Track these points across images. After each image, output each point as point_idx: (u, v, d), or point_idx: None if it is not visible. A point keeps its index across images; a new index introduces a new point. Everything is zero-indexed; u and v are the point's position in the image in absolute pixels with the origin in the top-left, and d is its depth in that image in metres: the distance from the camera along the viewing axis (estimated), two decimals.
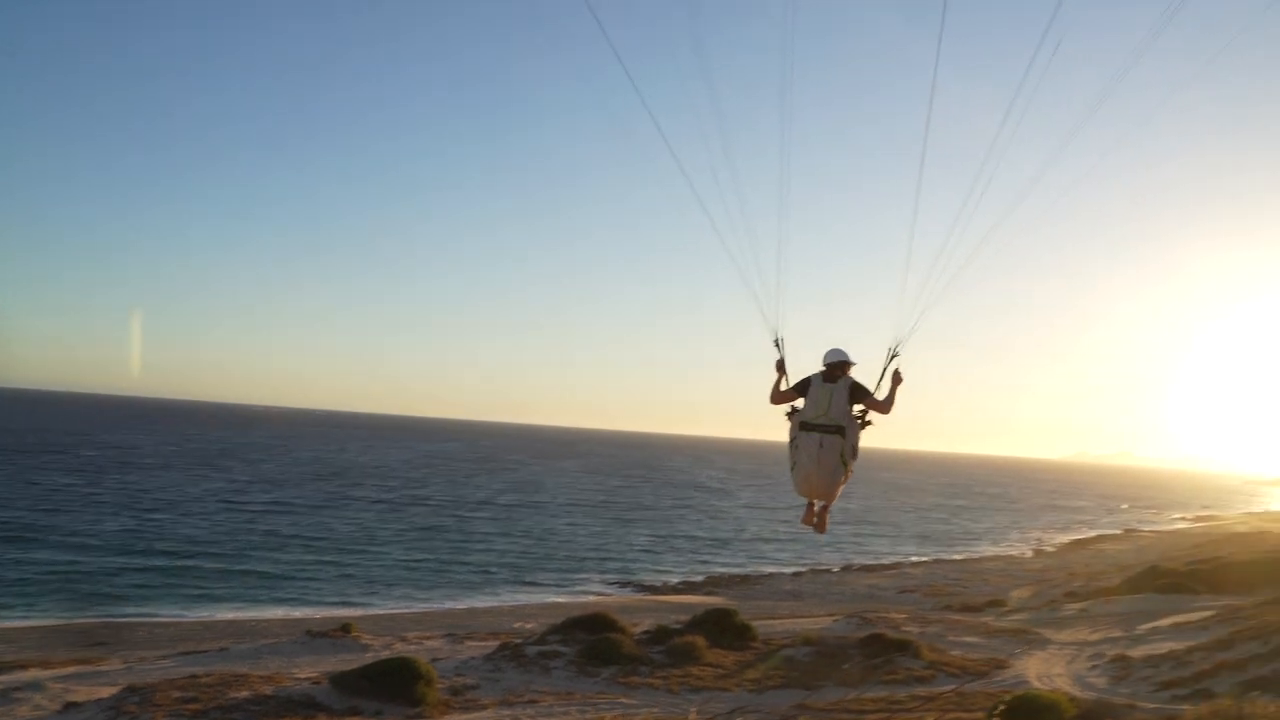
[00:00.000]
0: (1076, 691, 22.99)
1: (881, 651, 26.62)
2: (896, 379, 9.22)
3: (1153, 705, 20.66)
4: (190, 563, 50.28)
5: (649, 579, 57.25)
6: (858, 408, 9.45)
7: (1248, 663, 22.59)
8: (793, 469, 9.67)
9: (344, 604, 44.54)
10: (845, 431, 9.24)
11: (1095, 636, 32.11)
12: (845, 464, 9.56)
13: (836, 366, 9.33)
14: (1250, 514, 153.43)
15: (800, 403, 9.47)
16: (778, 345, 9.42)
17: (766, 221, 9.64)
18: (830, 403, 9.18)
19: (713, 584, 56.88)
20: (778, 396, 9.56)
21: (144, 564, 49.00)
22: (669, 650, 26.74)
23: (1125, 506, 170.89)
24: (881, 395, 9.22)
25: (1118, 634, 31.91)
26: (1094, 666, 26.83)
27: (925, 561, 73.96)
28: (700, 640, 27.26)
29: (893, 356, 9.22)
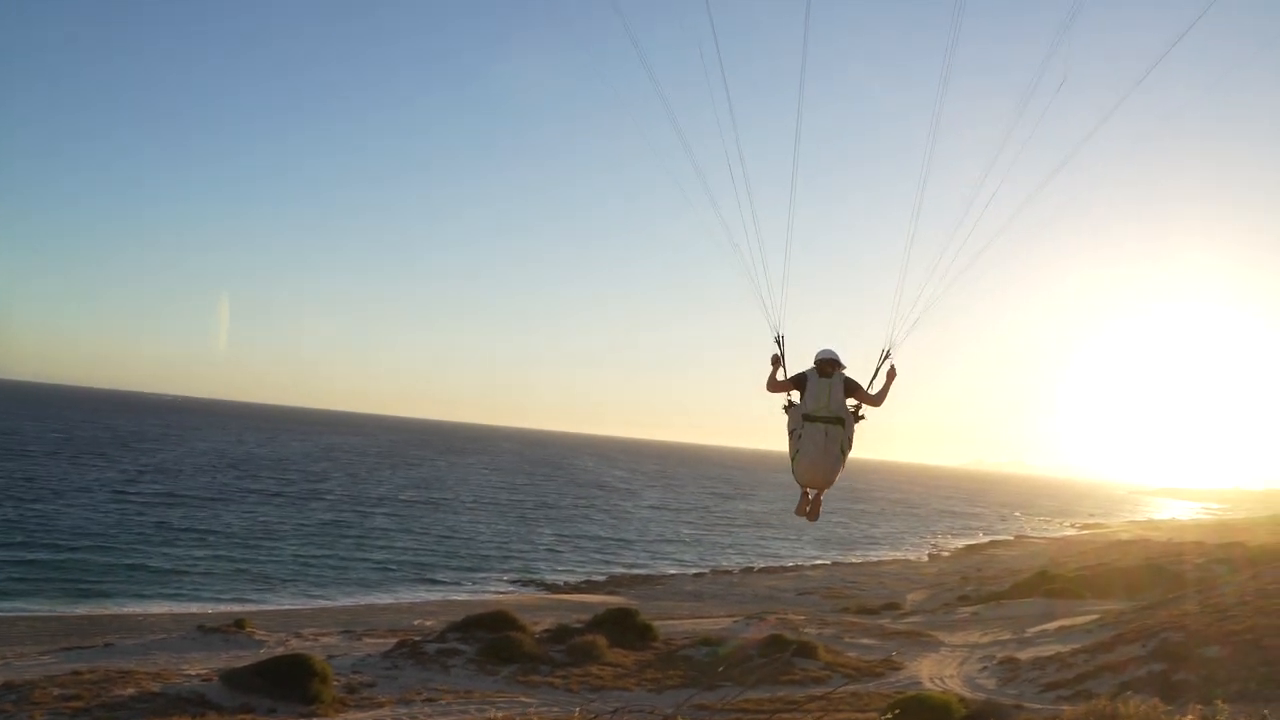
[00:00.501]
0: (967, 692, 23.60)
1: (780, 652, 26.98)
2: (891, 374, 9.81)
3: (1038, 706, 21.31)
4: (75, 555, 48.40)
5: (551, 578, 57.12)
6: (851, 402, 9.93)
7: (1127, 664, 23.45)
8: (795, 458, 10.04)
9: (238, 599, 43.39)
10: (845, 423, 9.81)
11: (986, 639, 33.01)
12: (844, 453, 10.04)
13: (828, 363, 9.80)
14: (1133, 522, 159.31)
15: (796, 396, 9.99)
16: (779, 342, 9.97)
17: (773, 222, 9.75)
18: (830, 396, 9.71)
19: (615, 584, 56.99)
20: (775, 386, 10.02)
21: (24, 556, 46.99)
22: (570, 649, 26.73)
23: (1018, 514, 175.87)
24: (875, 390, 9.77)
25: (1007, 637, 32.86)
26: (984, 668, 27.58)
27: (825, 564, 75.07)
28: (601, 640, 27.30)
29: (886, 354, 9.78)
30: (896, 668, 27.80)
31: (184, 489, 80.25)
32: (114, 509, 64.40)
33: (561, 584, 55.43)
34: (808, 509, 10.84)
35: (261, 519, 67.02)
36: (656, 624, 31.46)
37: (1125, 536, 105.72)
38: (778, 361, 9.98)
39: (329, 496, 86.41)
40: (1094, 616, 33.65)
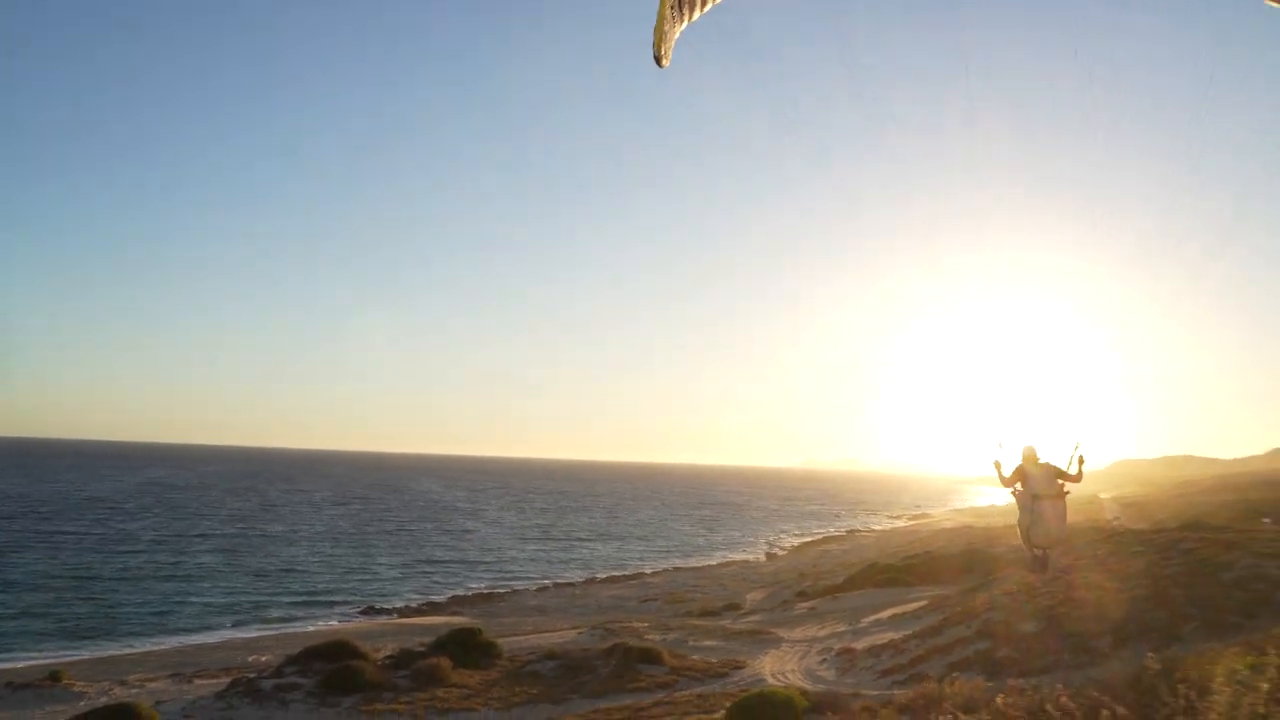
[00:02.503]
0: (808, 685, 24.27)
1: (625, 660, 27.15)
2: (1081, 460, 12.68)
3: (875, 692, 22.09)
4: None
5: (391, 602, 55.89)
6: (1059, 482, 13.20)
7: (954, 646, 24.60)
8: (1032, 526, 13.06)
9: (51, 651, 40.72)
10: (1064, 498, 12.93)
11: (824, 632, 34.03)
12: (1065, 519, 13.29)
13: (1034, 457, 13.12)
14: (956, 511, 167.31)
15: (1019, 484, 13.26)
16: (999, 447, 12.93)
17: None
18: (1049, 482, 12.89)
19: (456, 603, 56.21)
20: (1007, 482, 13.32)
21: None
22: (413, 674, 26.22)
23: (849, 510, 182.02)
24: (1073, 471, 12.74)
25: (843, 628, 33.96)
26: (823, 660, 28.43)
27: (666, 570, 75.91)
28: (445, 661, 26.88)
29: (1077, 447, 12.69)
30: (740, 666, 28.35)
31: None
32: None
33: (402, 608, 54.32)
34: (1040, 564, 13.95)
35: (73, 562, 63.14)
36: (501, 641, 31.19)
37: (948, 525, 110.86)
38: (1000, 465, 13.07)
39: (149, 535, 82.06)
40: (923, 603, 35.13)
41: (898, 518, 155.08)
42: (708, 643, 32.91)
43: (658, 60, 10.22)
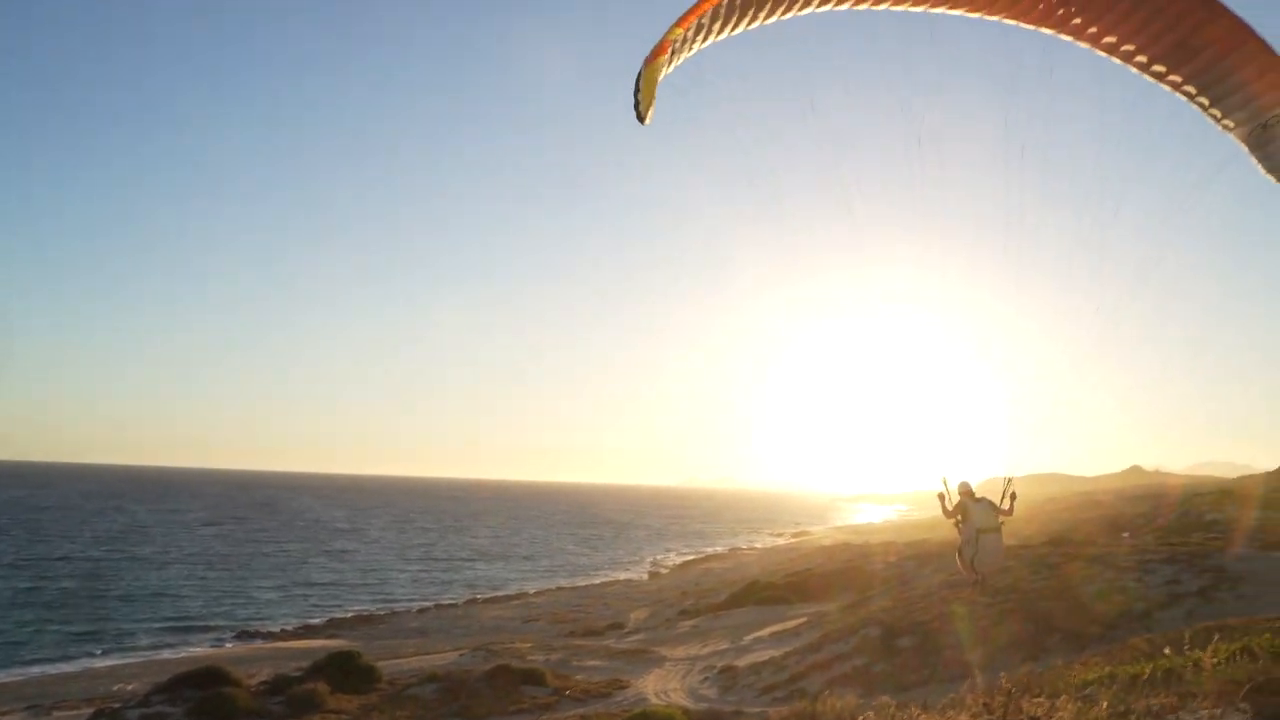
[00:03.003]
0: (690, 704, 24.43)
1: (508, 682, 26.92)
2: (1013, 496, 14.02)
3: (756, 709, 22.36)
4: None
5: (266, 626, 54.25)
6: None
7: (833, 662, 25.07)
8: (974, 557, 14.17)
9: None
10: (1000, 530, 14.22)
11: (706, 650, 34.29)
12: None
13: (970, 493, 14.26)
14: (835, 528, 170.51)
15: (959, 517, 14.23)
16: (945, 483, 14.22)
17: None
18: (987, 515, 14.06)
19: (335, 626, 54.89)
20: (949, 514, 14.39)
21: None
22: (289, 700, 25.52)
23: (731, 528, 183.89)
24: (1005, 506, 14.04)
25: (725, 646, 34.28)
26: (705, 679, 28.63)
27: (549, 590, 75.49)
28: (322, 686, 26.24)
29: (1009, 483, 14.01)
30: (623, 686, 28.37)
31: None
32: None
33: (278, 632, 52.79)
34: (980, 585, 15.37)
35: None
36: (380, 664, 30.61)
37: (828, 542, 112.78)
38: (944, 498, 14.28)
39: (6, 559, 77.72)
40: (803, 619, 35.71)
41: (779, 536, 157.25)
42: (591, 662, 32.85)
43: (640, 116, 10.79)
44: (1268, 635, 10.31)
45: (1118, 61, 11.96)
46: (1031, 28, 11.93)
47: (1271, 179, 11.96)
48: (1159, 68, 11.63)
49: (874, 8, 11.82)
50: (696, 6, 10.64)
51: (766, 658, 28.69)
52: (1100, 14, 11.39)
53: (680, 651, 34.81)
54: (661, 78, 10.92)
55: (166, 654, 45.94)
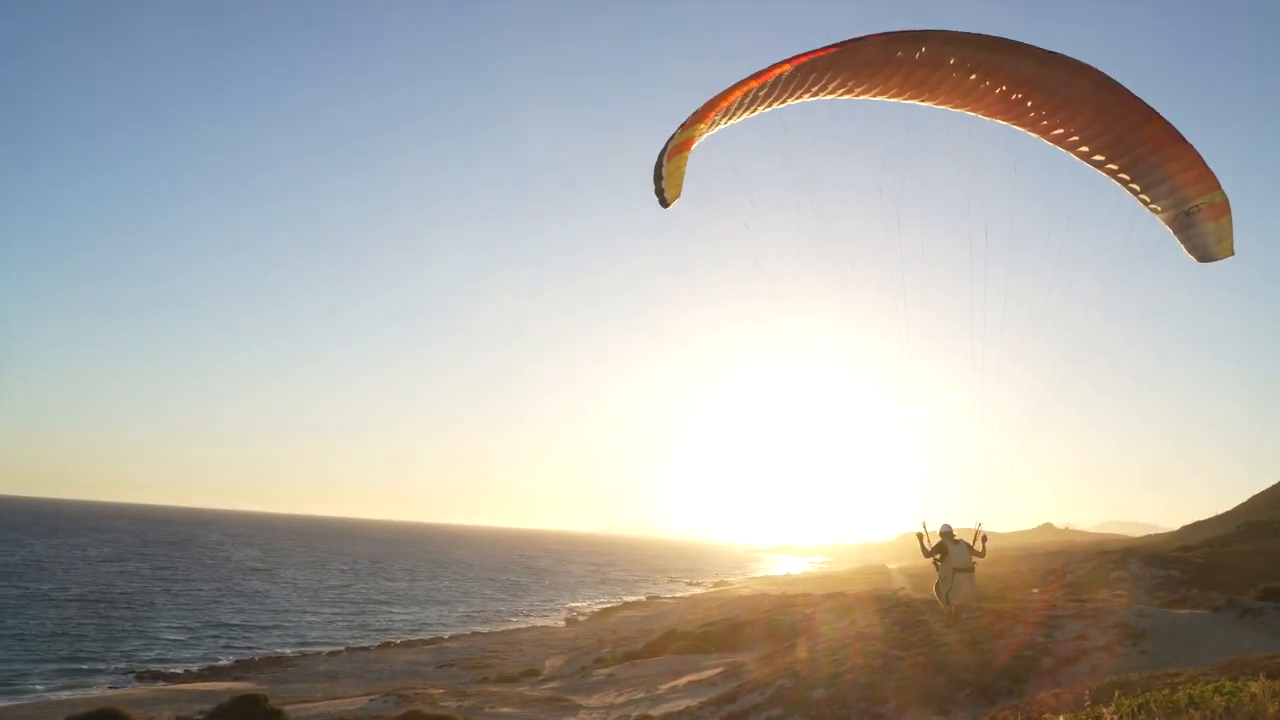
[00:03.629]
0: None
1: None
2: (984, 539, 15.66)
3: None
4: None
5: (170, 668, 52.55)
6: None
7: (748, 713, 25.08)
8: (950, 592, 15.84)
9: None
10: (974, 570, 15.96)
11: (621, 699, 34.07)
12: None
13: (950, 535, 15.90)
14: (753, 578, 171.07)
15: (939, 556, 16.12)
16: (924, 526, 15.67)
17: None
18: (963, 556, 15.71)
19: (241, 668, 53.41)
20: (928, 554, 15.92)
21: None
22: None
23: (650, 576, 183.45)
24: (979, 548, 15.87)
25: (641, 695, 34.10)
26: None
27: (464, 635, 74.42)
28: None
29: (980, 526, 15.40)
30: None
31: None
32: None
33: (182, 673, 51.18)
34: (953, 617, 17.40)
35: None
36: (288, 709, 29.89)
37: (746, 592, 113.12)
38: (923, 539, 15.70)
39: None
40: (719, 669, 35.70)
41: (697, 585, 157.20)
42: (505, 710, 32.44)
43: (665, 203, 12.36)
44: (1165, 691, 10.63)
45: (1064, 150, 14.21)
46: (992, 120, 14.09)
47: (1193, 257, 14.39)
48: (1099, 157, 13.98)
49: (857, 98, 13.64)
50: (715, 104, 12.43)
51: (682, 708, 28.60)
52: (1054, 111, 13.63)
53: (595, 700, 34.54)
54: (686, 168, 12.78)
55: (63, 695, 44.29)
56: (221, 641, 63.24)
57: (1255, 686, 9.09)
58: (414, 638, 71.36)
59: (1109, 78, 13.06)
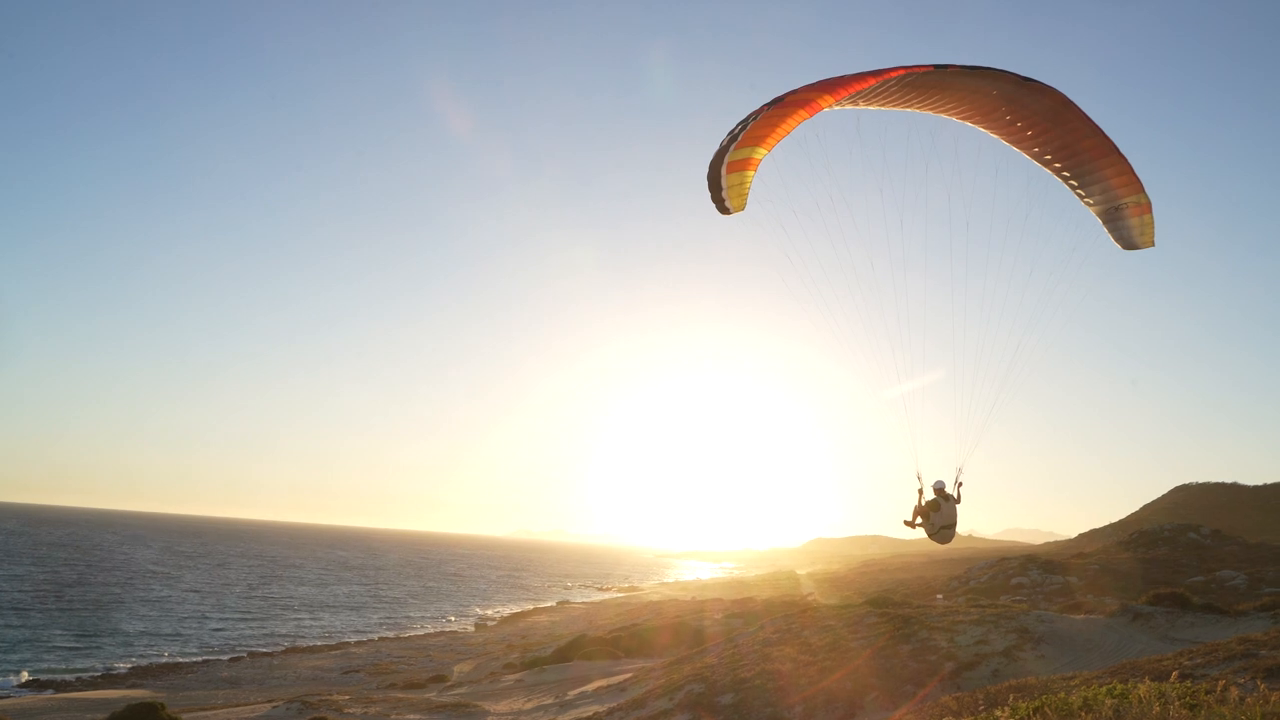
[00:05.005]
0: None
1: None
2: (960, 485, 17.03)
3: None
4: None
5: (62, 675, 50.87)
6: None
7: (656, 718, 25.19)
8: (938, 532, 17.12)
9: None
10: (955, 525, 17.20)
11: (530, 705, 33.93)
12: None
13: (942, 491, 17.14)
14: (664, 584, 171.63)
15: (932, 513, 17.20)
16: (919, 479, 16.97)
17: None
18: (951, 513, 17.08)
19: (139, 675, 51.92)
20: (922, 510, 17.10)
21: None
22: None
23: (560, 581, 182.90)
24: (956, 495, 17.05)
25: (550, 701, 33.99)
26: None
27: (370, 640, 73.40)
28: None
29: (960, 471, 16.99)
30: None
31: None
32: None
33: (75, 681, 49.57)
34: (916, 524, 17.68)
35: None
36: (186, 717, 29.17)
37: (656, 598, 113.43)
38: (921, 495, 16.99)
39: None
40: (629, 675, 35.75)
41: (607, 590, 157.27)
42: (411, 716, 32.07)
43: (728, 210, 14.01)
44: (1061, 694, 10.97)
45: (1020, 151, 17.07)
46: (960, 121, 16.73)
47: (1119, 245, 17.64)
48: (1048, 157, 16.97)
49: (848, 107, 15.57)
50: (773, 133, 14.35)
51: (591, 713, 28.61)
52: (1015, 120, 16.49)
53: (504, 706, 34.34)
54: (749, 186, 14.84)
55: None
56: (118, 647, 61.40)
57: (1142, 689, 9.45)
58: (320, 643, 70.12)
59: (1067, 99, 15.88)
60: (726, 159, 14.45)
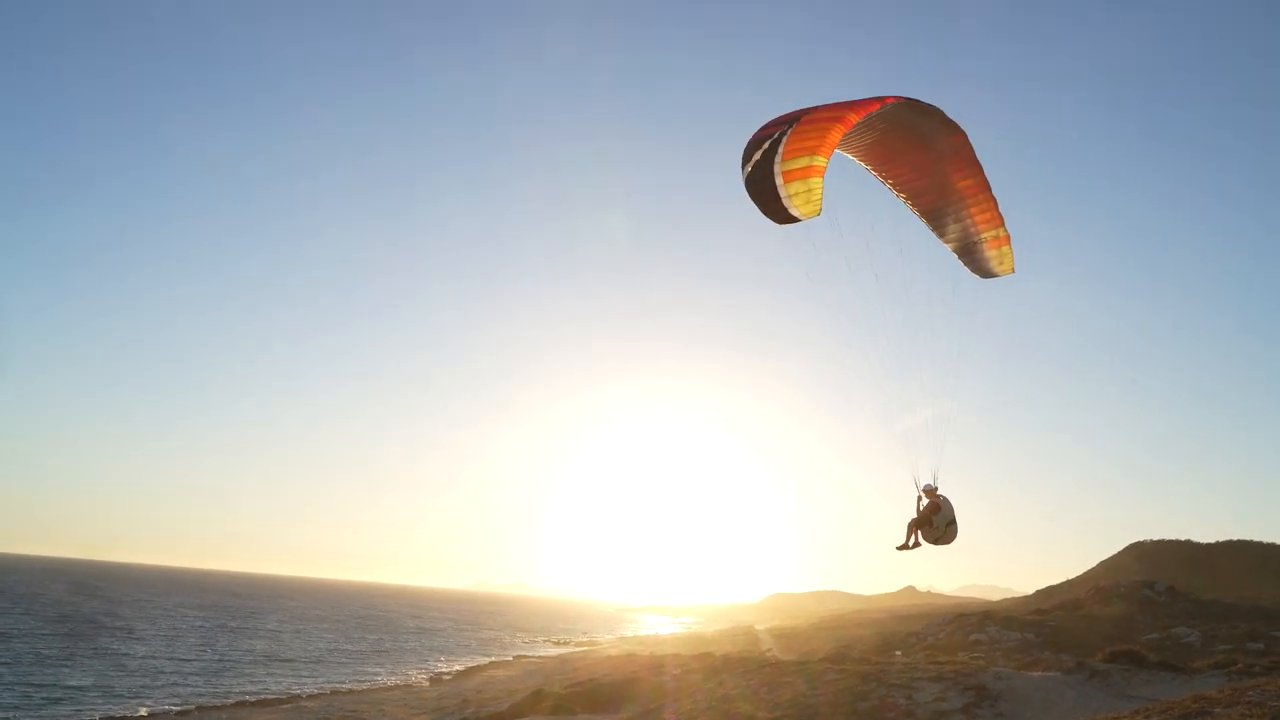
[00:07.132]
0: None
1: None
2: (935, 489, 17.49)
3: None
4: None
5: None
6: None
7: None
8: (944, 527, 17.34)
9: None
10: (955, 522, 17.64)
11: None
12: None
13: (933, 490, 17.46)
14: (623, 638, 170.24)
15: (933, 516, 17.48)
16: (916, 484, 17.39)
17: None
18: (950, 509, 17.35)
19: None
20: (926, 510, 17.40)
21: None
22: None
23: (516, 634, 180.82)
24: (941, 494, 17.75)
25: None
26: None
27: (323, 694, 72.01)
28: None
29: (934, 479, 17.39)
30: None
31: None
32: None
33: None
34: (914, 543, 17.96)
35: None
36: None
37: (615, 652, 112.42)
38: (919, 501, 17.34)
39: None
40: None
41: (565, 644, 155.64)
42: None
43: (788, 219, 14.24)
44: None
45: (891, 189, 17.52)
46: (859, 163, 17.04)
47: (976, 275, 18.35)
48: (920, 196, 17.47)
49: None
50: (827, 142, 14.60)
51: None
52: (921, 159, 16.92)
53: None
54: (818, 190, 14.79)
55: None
56: (63, 704, 59.75)
57: None
58: (270, 696, 68.70)
59: (966, 137, 16.56)
60: (779, 169, 14.51)
